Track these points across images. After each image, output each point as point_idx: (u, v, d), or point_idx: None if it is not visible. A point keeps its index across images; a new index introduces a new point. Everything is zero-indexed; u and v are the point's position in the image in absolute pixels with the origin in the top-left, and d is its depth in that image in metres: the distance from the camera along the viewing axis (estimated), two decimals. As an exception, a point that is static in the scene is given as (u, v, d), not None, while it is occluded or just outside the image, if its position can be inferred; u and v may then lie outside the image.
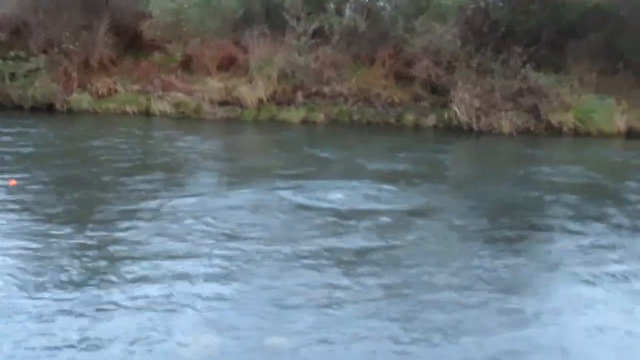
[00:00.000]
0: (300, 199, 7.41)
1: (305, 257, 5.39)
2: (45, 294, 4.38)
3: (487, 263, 5.49)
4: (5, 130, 11.75)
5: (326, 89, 15.30)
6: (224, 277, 4.85)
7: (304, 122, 15.07)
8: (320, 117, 15.16)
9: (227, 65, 15.83)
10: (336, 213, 6.85)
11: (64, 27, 15.14)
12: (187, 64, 15.86)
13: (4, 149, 9.94)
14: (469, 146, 13.82)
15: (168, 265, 5.04)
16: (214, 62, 15.65)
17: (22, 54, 15.01)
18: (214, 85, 15.37)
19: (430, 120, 15.18)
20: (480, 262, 5.52)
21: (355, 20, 15.47)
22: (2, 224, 6.00)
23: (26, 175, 8.12)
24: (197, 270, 4.96)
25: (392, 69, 15.65)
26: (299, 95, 15.41)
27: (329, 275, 5.02)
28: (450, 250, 5.88)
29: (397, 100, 15.35)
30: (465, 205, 7.69)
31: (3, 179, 7.78)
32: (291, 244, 5.72)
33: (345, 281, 4.88)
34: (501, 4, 16.25)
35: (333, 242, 5.85)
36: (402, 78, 15.57)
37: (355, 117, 15.25)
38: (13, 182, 7.50)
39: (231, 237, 5.82)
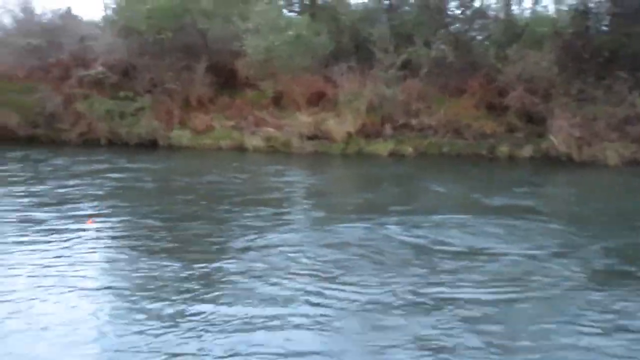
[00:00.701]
0: (411, 236, 6.86)
1: (411, 308, 4.75)
2: (144, 329, 4.47)
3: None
4: (118, 166, 12.72)
5: (414, 121, 15.13)
6: (318, 324, 4.55)
7: (392, 154, 14.91)
8: (408, 149, 14.96)
9: (316, 100, 16.13)
10: (452, 254, 6.19)
11: (166, 68, 16.36)
12: (277, 100, 16.39)
13: (122, 184, 10.66)
14: (577, 179, 12.64)
15: (261, 307, 4.87)
16: (304, 98, 16.02)
17: (129, 94, 16.35)
18: (304, 119, 15.70)
19: (526, 151, 14.48)
20: (625, 321, 4.61)
21: (444, 51, 15.22)
22: (114, 258, 6.24)
23: (143, 209, 8.53)
24: (291, 316, 4.72)
25: (483, 99, 15.17)
26: (387, 128, 15.34)
27: (439, 332, 4.36)
28: (591, 304, 4.99)
29: (488, 131, 14.82)
30: (597, 246, 6.69)
31: (124, 212, 8.29)
32: (398, 290, 5.13)
33: (456, 340, 4.26)
34: (603, 28, 15.30)
35: (448, 289, 5.17)
36: (494, 108, 15.04)
37: (445, 149, 14.89)
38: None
39: (333, 280, 5.44)
